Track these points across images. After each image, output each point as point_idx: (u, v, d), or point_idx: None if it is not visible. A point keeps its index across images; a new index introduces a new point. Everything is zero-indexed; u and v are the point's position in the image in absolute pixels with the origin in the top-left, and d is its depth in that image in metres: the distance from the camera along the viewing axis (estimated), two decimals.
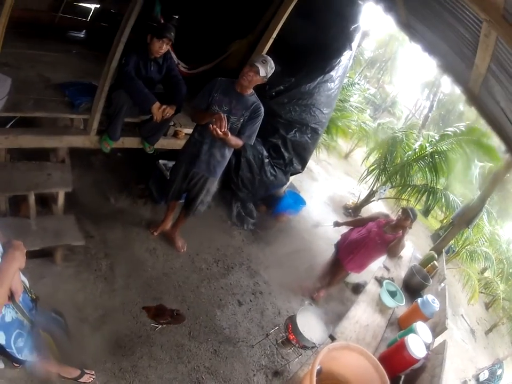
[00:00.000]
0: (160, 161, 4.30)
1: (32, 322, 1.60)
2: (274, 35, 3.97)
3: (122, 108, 3.32)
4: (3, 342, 1.44)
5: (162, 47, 3.23)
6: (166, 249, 3.85)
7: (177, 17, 5.39)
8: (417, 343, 2.26)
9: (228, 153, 3.33)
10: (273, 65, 2.96)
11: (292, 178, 5.42)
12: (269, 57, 2.96)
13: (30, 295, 1.66)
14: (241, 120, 3.08)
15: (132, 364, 2.74)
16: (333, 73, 4.54)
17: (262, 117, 3.13)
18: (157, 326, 3.04)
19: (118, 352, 2.76)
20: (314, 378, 1.66)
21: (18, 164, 3.20)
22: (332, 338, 2.53)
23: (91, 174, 4.21)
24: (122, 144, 3.75)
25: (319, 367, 1.82)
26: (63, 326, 1.91)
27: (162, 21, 3.72)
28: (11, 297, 1.40)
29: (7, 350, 1.51)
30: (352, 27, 4.48)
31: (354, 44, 4.67)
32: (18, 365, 1.67)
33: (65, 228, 3.06)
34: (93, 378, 2.51)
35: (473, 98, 3.57)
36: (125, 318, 3.02)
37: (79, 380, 2.44)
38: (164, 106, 3.31)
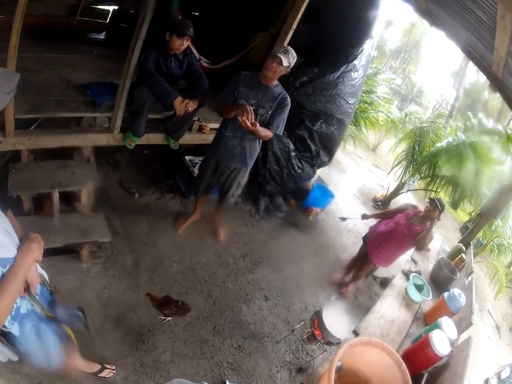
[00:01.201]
0: (186, 157, 4.30)
1: (50, 315, 1.59)
2: (294, 26, 3.87)
3: (144, 104, 3.32)
4: (17, 334, 1.43)
5: (183, 44, 3.22)
6: (193, 244, 3.83)
7: (197, 14, 5.43)
8: (442, 339, 2.14)
9: (258, 145, 3.35)
10: (295, 54, 2.93)
11: (320, 171, 5.34)
12: (289, 47, 2.93)
13: (49, 288, 1.66)
14: (269, 112, 3.08)
15: (154, 359, 2.73)
16: (356, 62, 4.41)
17: (289, 107, 3.13)
18: (163, 318, 3.00)
19: (140, 347, 2.76)
20: (333, 376, 1.58)
21: (41, 163, 3.24)
22: (356, 333, 2.43)
23: (118, 171, 4.28)
24: (146, 140, 3.76)
25: (339, 363, 1.74)
26: (83, 321, 1.91)
27: (180, 17, 3.70)
28: (27, 289, 1.40)
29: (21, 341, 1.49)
30: (372, 15, 4.31)
31: (375, 32, 4.52)
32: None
33: (92, 225, 3.08)
34: (114, 373, 2.51)
35: (497, 83, 3.39)
36: (148, 313, 3.01)
37: (99, 375, 2.44)
38: (186, 101, 3.29)
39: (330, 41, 4.25)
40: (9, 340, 1.44)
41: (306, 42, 3.91)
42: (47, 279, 1.67)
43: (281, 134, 3.29)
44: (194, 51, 4.09)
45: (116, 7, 5.26)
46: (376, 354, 1.87)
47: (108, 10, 5.28)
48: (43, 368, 1.68)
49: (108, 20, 5.32)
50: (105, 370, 2.48)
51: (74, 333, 1.78)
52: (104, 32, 5.25)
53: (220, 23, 5.30)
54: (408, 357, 2.17)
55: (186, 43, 3.25)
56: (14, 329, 1.40)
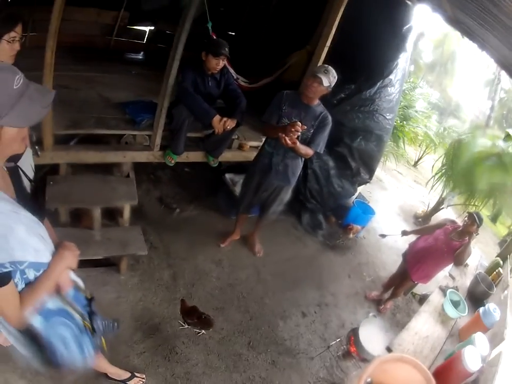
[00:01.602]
0: (227, 175, 4.35)
1: (87, 324, 1.63)
2: (328, 43, 3.90)
3: (183, 123, 3.40)
4: (39, 326, 1.43)
5: (219, 64, 3.28)
6: (233, 260, 3.85)
7: (233, 34, 5.56)
8: (474, 355, 2.03)
9: (301, 163, 3.37)
10: (335, 74, 2.94)
11: (360, 188, 5.26)
12: (330, 67, 2.95)
13: (85, 295, 1.72)
14: (311, 131, 3.10)
15: (186, 371, 2.73)
16: (391, 76, 4.38)
17: (330, 126, 3.13)
18: (182, 325, 3.01)
19: (172, 358, 2.77)
20: None
21: (80, 177, 3.36)
22: (389, 350, 2.36)
23: (159, 188, 4.39)
24: (186, 158, 3.84)
25: (369, 380, 1.70)
26: (116, 332, 1.96)
27: (214, 37, 3.82)
28: (58, 291, 1.45)
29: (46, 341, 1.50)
30: (405, 28, 4.29)
31: (409, 45, 4.48)
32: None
33: (130, 238, 3.16)
34: (143, 381, 2.53)
35: None
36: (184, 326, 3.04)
37: (128, 382, 2.47)
38: (225, 119, 3.33)
39: (365, 57, 4.22)
40: (39, 340, 1.46)
41: (342, 59, 3.90)
42: (81, 285, 1.73)
43: (321, 152, 3.29)
44: (232, 70, 4.16)
45: (152, 28, 5.45)
46: (407, 371, 1.82)
47: (145, 31, 5.47)
48: (67, 370, 1.67)
49: (145, 40, 5.51)
50: (135, 378, 2.50)
51: (106, 341, 1.82)
52: (141, 52, 5.47)
53: (256, 42, 5.41)
54: (440, 373, 2.10)
55: (222, 63, 3.31)
56: (36, 321, 1.41)
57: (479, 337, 2.30)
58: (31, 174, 2.47)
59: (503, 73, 13.94)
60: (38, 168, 3.28)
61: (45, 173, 3.35)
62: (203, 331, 3.03)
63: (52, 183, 3.11)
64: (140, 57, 5.43)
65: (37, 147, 2.94)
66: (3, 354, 2.28)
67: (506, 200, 5.62)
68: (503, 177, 5.43)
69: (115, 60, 4.89)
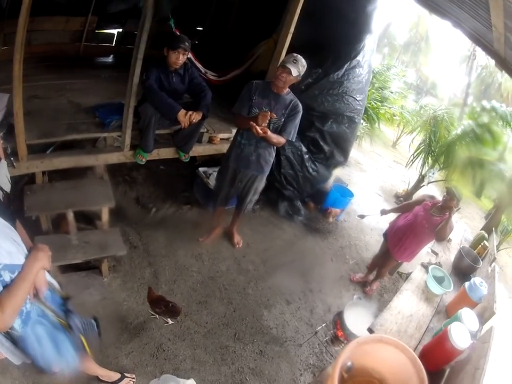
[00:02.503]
0: (200, 169, 4.31)
1: (64, 322, 1.63)
2: (291, 29, 3.84)
3: (150, 120, 3.37)
4: (28, 337, 1.48)
5: (179, 58, 3.24)
6: (212, 254, 3.82)
7: (201, 29, 5.48)
8: (462, 332, 1.98)
9: (273, 151, 3.37)
10: (304, 63, 2.95)
11: (339, 172, 5.26)
12: (299, 56, 2.93)
13: (60, 295, 1.72)
14: (282, 119, 3.11)
15: (174, 367, 2.71)
16: (359, 58, 4.35)
17: (301, 113, 3.14)
18: (153, 314, 2.99)
19: (160, 356, 2.75)
20: (337, 377, 1.50)
21: (56, 184, 3.31)
22: (370, 331, 2.31)
23: (135, 189, 4.34)
24: (157, 155, 3.80)
25: (349, 363, 1.64)
26: (97, 330, 1.92)
27: (177, 33, 3.75)
28: (36, 295, 1.46)
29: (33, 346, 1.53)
30: (369, 9, 4.24)
31: (375, 26, 4.43)
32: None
33: (109, 240, 3.10)
34: (133, 381, 2.51)
35: (501, 61, 3.24)
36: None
37: None
38: (190, 113, 3.32)
39: (330, 40, 4.17)
40: (21, 343, 1.49)
41: (307, 44, 3.86)
42: (57, 287, 1.74)
43: (293, 140, 3.29)
44: (199, 65, 4.16)
45: (120, 30, 5.36)
46: (390, 352, 1.74)
47: (113, 34, 5.38)
48: (56, 374, 1.68)
49: (114, 43, 5.42)
50: (125, 379, 2.49)
51: (88, 341, 1.79)
52: (111, 56, 5.37)
53: (224, 35, 5.35)
54: (428, 352, 2.06)
55: (182, 57, 3.27)
56: (24, 333, 1.45)
57: (466, 313, 2.25)
58: (7, 185, 2.46)
59: (478, 49, 14.00)
60: (17, 179, 3.29)
61: (24, 183, 3.34)
62: (170, 321, 3.01)
63: (29, 192, 3.08)
64: (110, 60, 5.33)
65: (12, 158, 2.97)
66: (1, 366, 2.25)
67: (486, 173, 5.58)
68: (480, 150, 5.43)
69: (85, 66, 4.81)
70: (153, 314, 3.00)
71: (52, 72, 4.29)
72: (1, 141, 2.58)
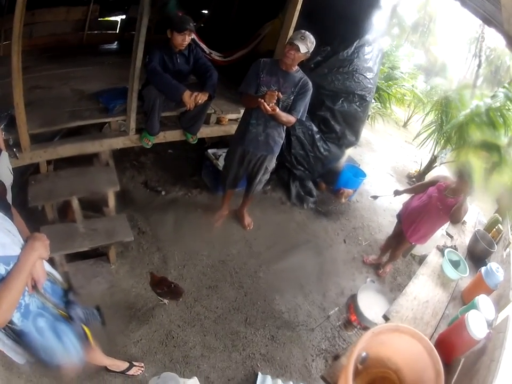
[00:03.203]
0: (209, 150, 4.17)
1: (64, 314, 1.55)
2: (298, 7, 3.65)
3: (155, 102, 3.23)
4: (29, 331, 1.39)
5: (185, 40, 3.10)
6: (222, 237, 3.69)
7: (206, 12, 5.32)
8: (479, 320, 1.80)
9: (283, 131, 3.25)
10: (313, 39, 2.81)
11: (351, 152, 5.02)
12: (307, 32, 2.79)
13: (61, 286, 1.62)
14: (291, 98, 2.98)
15: (184, 354, 2.59)
16: (368, 36, 4.14)
17: (311, 92, 3.00)
18: (162, 300, 2.90)
19: (169, 343, 2.64)
20: (351, 369, 1.36)
21: (60, 172, 3.19)
22: (386, 318, 2.15)
23: (143, 173, 4.21)
24: (164, 138, 3.66)
25: (364, 354, 1.51)
26: (100, 320, 1.81)
27: (180, 14, 3.60)
28: (34, 286, 1.38)
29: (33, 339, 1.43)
30: None
31: (384, 3, 4.20)
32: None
33: (116, 226, 3.00)
34: (142, 370, 2.41)
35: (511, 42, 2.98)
36: (178, 308, 2.89)
37: (127, 373, 2.35)
38: (195, 94, 3.16)
39: (337, 17, 3.97)
40: (23, 338, 1.40)
41: (315, 23, 3.67)
42: (57, 277, 1.63)
43: (303, 119, 3.15)
44: (204, 46, 4.02)
45: (124, 16, 5.22)
46: (406, 341, 1.60)
47: (117, 21, 5.26)
48: (61, 367, 1.57)
49: (118, 30, 5.29)
50: (134, 368, 2.39)
51: (92, 331, 1.70)
52: (115, 42, 5.22)
53: (229, 17, 5.19)
54: (443, 341, 1.90)
55: (188, 38, 3.13)
56: (25, 326, 1.36)
57: (483, 300, 2.07)
58: (9, 176, 2.35)
59: (486, 31, 13.52)
60: (22, 170, 3.18)
61: (30, 174, 3.23)
62: (165, 301, 2.90)
63: (33, 182, 2.97)
64: (114, 47, 5.17)
65: (15, 149, 2.88)
66: (7, 362, 2.18)
67: (496, 157, 5.34)
68: (493, 134, 5.20)
69: (89, 54, 4.66)
70: (162, 300, 2.89)
71: (54, 62, 4.16)
72: (2, 133, 2.51)
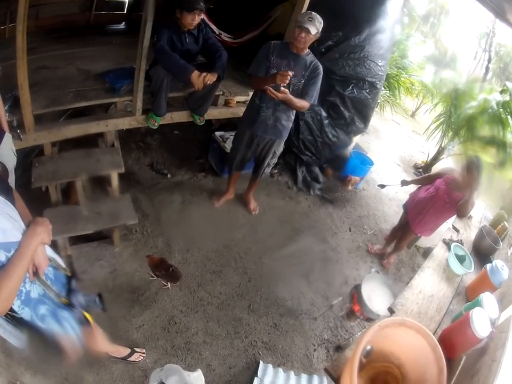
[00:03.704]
0: (216, 133, 4.06)
1: (65, 301, 1.48)
2: None
3: (162, 82, 3.11)
4: (29, 319, 1.33)
5: (194, 19, 2.96)
6: (228, 221, 3.61)
7: None
8: (483, 318, 1.72)
9: (292, 115, 3.17)
10: (321, 19, 2.70)
11: (358, 139, 4.93)
12: (313, 12, 2.68)
13: (65, 272, 1.56)
14: (302, 81, 2.90)
15: (186, 341, 2.52)
16: (380, 23, 3.98)
17: (322, 75, 2.93)
18: (165, 285, 2.83)
19: (172, 329, 2.57)
20: (357, 363, 1.28)
21: (65, 154, 3.09)
22: (391, 311, 2.06)
23: (149, 155, 4.11)
24: (171, 119, 3.55)
25: (369, 347, 1.45)
26: (101, 306, 1.74)
27: None
28: (36, 273, 1.31)
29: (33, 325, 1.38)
30: None
31: None
32: None
33: (120, 208, 2.91)
34: (143, 356, 2.34)
35: None
36: (181, 293, 2.82)
37: (129, 359, 2.29)
38: (204, 74, 3.02)
39: (350, 3, 3.87)
40: (23, 325, 1.34)
41: (327, 7, 3.52)
42: (60, 263, 1.57)
43: (315, 103, 3.06)
44: (213, 27, 3.90)
45: None
46: (411, 336, 1.54)
47: (124, 1, 5.10)
48: (61, 351, 1.49)
49: (126, 10, 5.14)
50: (135, 354, 2.33)
51: (94, 317, 1.65)
52: (123, 23, 5.05)
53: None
54: (446, 338, 1.82)
55: (198, 18, 2.99)
56: (25, 314, 1.31)
57: (487, 298, 1.98)
58: (12, 158, 2.27)
59: (497, 27, 13.26)
60: (27, 152, 3.08)
61: (34, 156, 3.16)
62: (168, 285, 2.84)
63: (37, 164, 2.88)
64: (122, 27, 5.01)
65: (18, 131, 2.78)
66: (7, 349, 2.12)
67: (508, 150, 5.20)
68: (500, 130, 5.10)
69: (96, 34, 4.50)
70: (165, 285, 2.82)
71: (61, 43, 4.02)
72: (6, 114, 2.44)
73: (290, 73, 2.66)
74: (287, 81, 2.69)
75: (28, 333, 1.37)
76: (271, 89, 2.72)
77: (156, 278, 2.83)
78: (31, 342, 1.41)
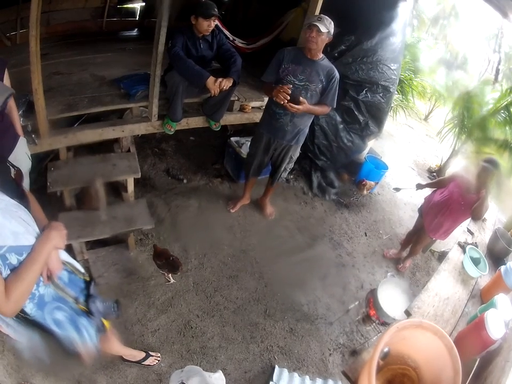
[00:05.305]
0: (232, 138, 4.07)
1: (83, 308, 1.49)
2: None
3: (177, 88, 3.14)
4: (43, 321, 1.34)
5: (210, 25, 3.01)
6: (244, 226, 3.62)
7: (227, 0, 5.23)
8: (497, 320, 1.71)
9: (309, 120, 3.16)
10: (330, 20, 2.69)
11: (372, 143, 4.91)
12: (322, 14, 2.69)
13: (82, 277, 1.56)
14: (319, 86, 2.87)
15: (201, 345, 2.52)
16: (392, 26, 4.00)
17: (338, 79, 2.90)
18: (168, 281, 2.88)
19: (187, 333, 2.57)
20: (375, 365, 1.28)
21: (80, 159, 3.13)
22: (408, 314, 2.05)
23: (165, 160, 4.14)
24: (186, 125, 3.58)
25: (386, 349, 1.44)
26: (118, 313, 1.76)
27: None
28: (50, 277, 1.32)
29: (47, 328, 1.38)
30: None
31: None
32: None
33: (136, 213, 2.92)
34: (158, 360, 2.35)
35: None
36: (197, 298, 2.82)
37: (143, 363, 2.29)
38: (220, 80, 3.05)
39: (361, 7, 3.87)
40: (35, 326, 1.36)
41: (338, 11, 3.54)
42: (78, 267, 1.57)
43: (335, 107, 3.07)
44: (227, 32, 3.94)
45: (143, 3, 5.15)
46: (428, 338, 1.53)
47: (136, 8, 5.20)
48: (77, 355, 1.51)
49: (138, 17, 5.23)
50: (150, 358, 2.33)
51: (110, 323, 1.66)
52: (136, 29, 5.13)
53: (250, 4, 5.09)
54: (462, 340, 1.80)
55: (213, 24, 3.04)
56: (38, 316, 1.32)
57: (501, 300, 1.95)
58: (27, 162, 2.30)
59: (506, 28, 13.17)
60: (42, 157, 3.13)
61: (50, 161, 3.20)
62: (172, 280, 2.87)
63: (52, 168, 2.91)
64: (135, 33, 5.08)
65: (33, 135, 2.81)
66: (17, 351, 2.06)
67: None
68: None
69: (109, 40, 4.58)
70: (168, 281, 2.87)
71: (74, 49, 4.09)
72: (20, 119, 2.45)
73: (288, 89, 2.70)
74: (288, 97, 2.70)
75: (40, 335, 1.38)
76: (291, 104, 2.72)
77: (158, 268, 2.86)
78: (43, 343, 1.42)
